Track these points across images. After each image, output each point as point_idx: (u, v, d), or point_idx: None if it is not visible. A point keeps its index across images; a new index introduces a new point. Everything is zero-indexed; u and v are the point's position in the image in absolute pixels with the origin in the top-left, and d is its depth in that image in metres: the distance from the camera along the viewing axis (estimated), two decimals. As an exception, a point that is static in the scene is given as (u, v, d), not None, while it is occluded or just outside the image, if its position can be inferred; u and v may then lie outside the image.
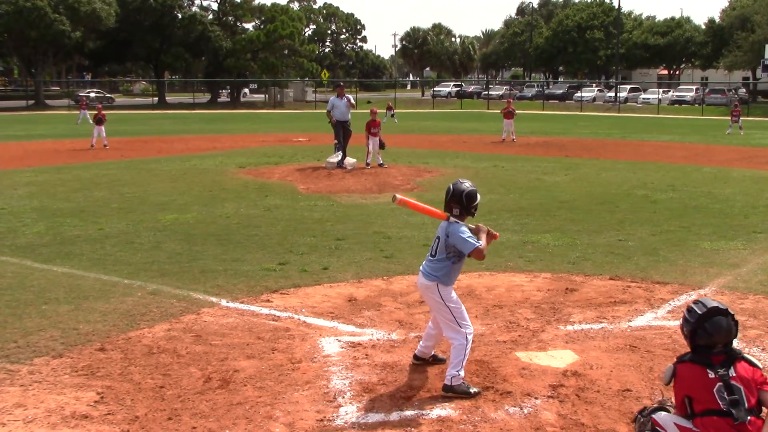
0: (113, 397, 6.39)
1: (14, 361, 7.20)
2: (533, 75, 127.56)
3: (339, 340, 7.75)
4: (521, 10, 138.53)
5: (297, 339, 7.78)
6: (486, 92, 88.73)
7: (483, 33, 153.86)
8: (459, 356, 6.37)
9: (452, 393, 6.31)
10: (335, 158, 23.08)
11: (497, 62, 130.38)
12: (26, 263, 11.16)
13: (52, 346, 7.59)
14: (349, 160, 23.17)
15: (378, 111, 25.21)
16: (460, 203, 6.83)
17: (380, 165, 23.48)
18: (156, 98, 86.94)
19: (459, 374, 6.33)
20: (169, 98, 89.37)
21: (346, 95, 23.99)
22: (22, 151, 30.17)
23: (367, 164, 23.34)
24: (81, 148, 30.87)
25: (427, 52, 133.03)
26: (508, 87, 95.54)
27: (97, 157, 27.14)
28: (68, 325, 8.23)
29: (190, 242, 12.56)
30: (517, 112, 36.10)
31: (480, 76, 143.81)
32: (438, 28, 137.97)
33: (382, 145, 23.73)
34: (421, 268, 6.71)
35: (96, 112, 31.61)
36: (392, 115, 51.40)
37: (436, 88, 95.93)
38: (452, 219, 6.63)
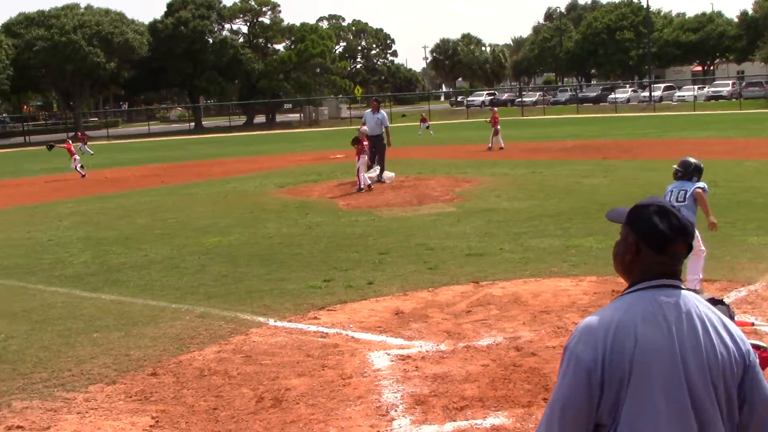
0: (168, 421, 6.45)
1: (70, 389, 7.30)
2: (566, 79, 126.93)
3: (388, 354, 7.76)
4: (549, 16, 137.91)
5: (346, 354, 7.80)
6: (519, 99, 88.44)
7: (513, 40, 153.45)
8: None
9: None
10: (373, 173, 23.11)
11: (529, 69, 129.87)
12: (75, 292, 11.31)
13: (106, 373, 7.68)
14: (388, 174, 23.17)
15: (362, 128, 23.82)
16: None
17: (379, 181, 22.76)
18: (192, 123, 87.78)
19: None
20: (206, 123, 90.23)
21: (381, 111, 24.02)
22: (65, 182, 30.59)
23: (369, 187, 21.58)
24: (121, 177, 31.24)
25: (458, 62, 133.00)
26: (541, 93, 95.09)
27: (139, 185, 27.44)
28: (120, 352, 8.32)
29: (235, 264, 12.65)
30: (499, 120, 35.49)
31: (512, 83, 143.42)
32: (467, 38, 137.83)
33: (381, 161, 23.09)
34: None
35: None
36: (427, 127, 51.42)
37: (469, 98, 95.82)
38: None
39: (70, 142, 35.97)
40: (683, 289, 2.63)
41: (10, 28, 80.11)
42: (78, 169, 32.56)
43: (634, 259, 2.66)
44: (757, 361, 2.61)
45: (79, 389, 7.28)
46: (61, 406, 6.89)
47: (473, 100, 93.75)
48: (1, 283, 12.43)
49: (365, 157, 22.03)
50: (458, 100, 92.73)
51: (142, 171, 33.97)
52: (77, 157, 33.32)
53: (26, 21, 79.98)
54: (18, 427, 6.53)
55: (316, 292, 10.45)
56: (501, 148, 33.58)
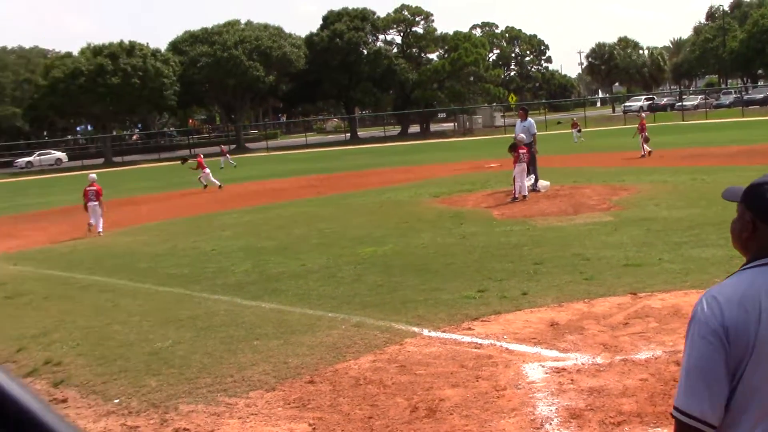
0: (324, 428, 6.58)
1: (231, 394, 7.56)
2: (729, 81, 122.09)
3: (543, 366, 7.66)
4: (711, 15, 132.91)
5: (500, 366, 7.75)
6: (680, 103, 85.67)
7: (672, 42, 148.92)
8: None
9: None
10: (528, 182, 22.87)
11: (689, 71, 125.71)
12: (237, 300, 11.70)
13: (265, 380, 7.91)
14: (543, 183, 22.91)
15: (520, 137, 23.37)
16: None
17: (534, 189, 22.46)
18: (348, 134, 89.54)
19: None
20: (361, 133, 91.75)
21: (529, 119, 23.83)
22: (227, 193, 31.73)
23: (524, 197, 21.38)
24: (279, 188, 32.12)
25: (615, 67, 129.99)
26: (702, 96, 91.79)
27: (296, 195, 28.13)
28: (279, 359, 8.55)
29: (390, 274, 12.78)
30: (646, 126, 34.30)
31: (672, 87, 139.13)
32: (624, 42, 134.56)
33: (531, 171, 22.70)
34: None
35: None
36: (579, 131, 50.61)
37: (626, 103, 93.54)
38: None
39: (202, 156, 37.55)
40: None
41: (176, 46, 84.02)
42: (201, 181, 34.35)
43: (751, 236, 2.73)
44: None
45: (240, 395, 7.54)
46: (223, 411, 7.15)
47: (630, 106, 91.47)
48: (168, 290, 13.01)
49: (522, 165, 21.79)
50: (624, 106, 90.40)
51: (299, 182, 34.85)
52: (207, 170, 34.94)
53: (191, 39, 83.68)
54: (184, 429, 6.83)
55: (470, 302, 10.43)
56: (643, 156, 32.65)
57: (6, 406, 0.98)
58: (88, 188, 22.43)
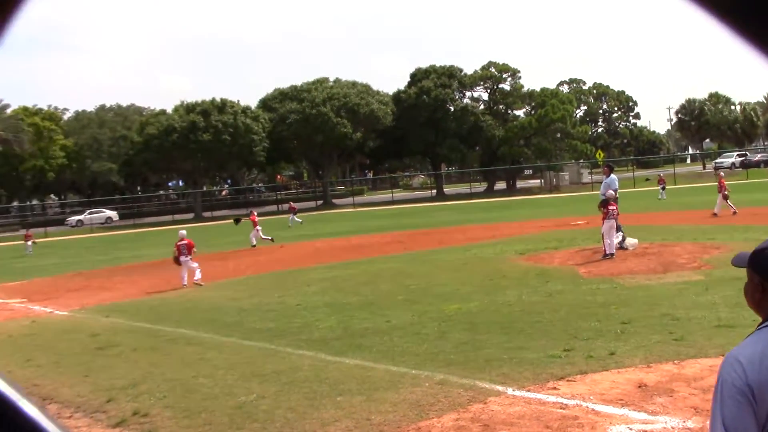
0: (407, 487, 6.52)
1: (314, 451, 7.56)
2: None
3: (630, 429, 7.47)
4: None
5: (586, 428, 7.59)
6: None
7: (765, 98, 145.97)
8: None
9: None
10: (616, 239, 22.51)
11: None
12: (321, 356, 11.74)
13: (348, 437, 7.89)
14: (631, 241, 22.52)
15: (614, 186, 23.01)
16: None
17: (621, 247, 22.01)
18: (434, 190, 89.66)
19: None
20: (447, 189, 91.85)
21: (612, 175, 23.61)
22: (314, 249, 32.02)
23: (610, 255, 20.94)
24: (366, 244, 32.30)
25: (705, 122, 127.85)
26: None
27: (382, 251, 28.23)
28: (361, 416, 8.53)
29: (474, 331, 12.68)
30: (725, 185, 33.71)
31: (765, 143, 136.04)
32: (715, 97, 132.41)
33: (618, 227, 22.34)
34: None
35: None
36: (663, 188, 49.86)
37: (717, 160, 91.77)
38: None
39: (255, 213, 38.16)
40: None
41: (266, 103, 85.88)
42: (252, 238, 35.05)
43: (763, 297, 2.92)
44: None
45: (323, 451, 7.53)
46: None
47: (722, 162, 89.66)
48: (254, 344, 13.14)
49: (612, 222, 21.48)
50: (715, 163, 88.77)
51: (385, 238, 35.00)
52: (259, 228, 35.72)
53: (281, 96, 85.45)
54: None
55: (555, 361, 10.27)
56: (714, 214, 32.14)
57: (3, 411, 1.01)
58: (179, 243, 23.09)
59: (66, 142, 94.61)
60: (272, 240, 35.63)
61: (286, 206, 79.77)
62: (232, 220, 36.99)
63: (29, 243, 47.67)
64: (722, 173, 38.53)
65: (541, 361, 10.30)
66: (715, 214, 32.10)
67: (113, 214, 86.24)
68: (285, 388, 10.02)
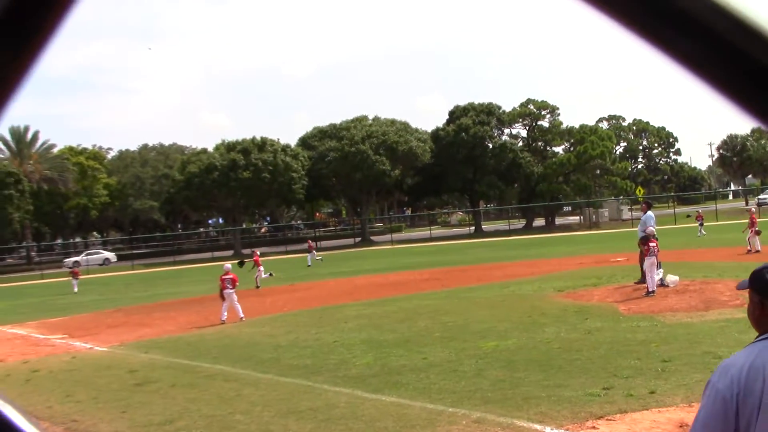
0: None
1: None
2: None
3: (671, 469, 7.34)
4: None
5: (626, 468, 7.46)
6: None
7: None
8: None
9: None
10: (657, 276, 22.25)
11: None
12: (357, 393, 11.69)
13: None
14: (671, 278, 22.23)
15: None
16: None
17: (662, 284, 21.62)
18: (473, 227, 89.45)
19: None
20: (485, 226, 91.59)
21: (648, 212, 23.42)
22: (351, 286, 32.02)
23: (651, 292, 20.74)
24: (403, 281, 32.26)
25: (747, 158, 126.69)
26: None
27: (420, 288, 28.17)
28: (398, 454, 8.46)
29: (512, 369, 12.57)
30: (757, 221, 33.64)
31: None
32: (758, 133, 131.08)
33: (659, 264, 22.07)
34: None
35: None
36: (700, 224, 49.33)
37: (761, 196, 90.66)
38: None
39: (258, 254, 38.06)
40: None
41: (306, 141, 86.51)
42: (257, 279, 35.04)
43: (761, 314, 3.23)
44: None
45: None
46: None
47: (765, 198, 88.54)
48: (290, 381, 13.12)
49: (652, 258, 21.28)
50: (758, 199, 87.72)
51: (422, 275, 34.90)
52: (262, 268, 35.90)
53: (320, 134, 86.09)
54: None
55: (594, 399, 10.13)
56: (749, 251, 31.85)
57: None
58: (224, 277, 23.32)
59: (109, 181, 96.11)
60: (271, 275, 35.79)
61: (324, 243, 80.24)
62: (237, 263, 36.91)
63: (75, 281, 47.20)
64: (753, 209, 38.45)
65: (579, 400, 10.17)
66: (749, 251, 31.94)
67: (111, 255, 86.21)
68: (321, 425, 9.98)
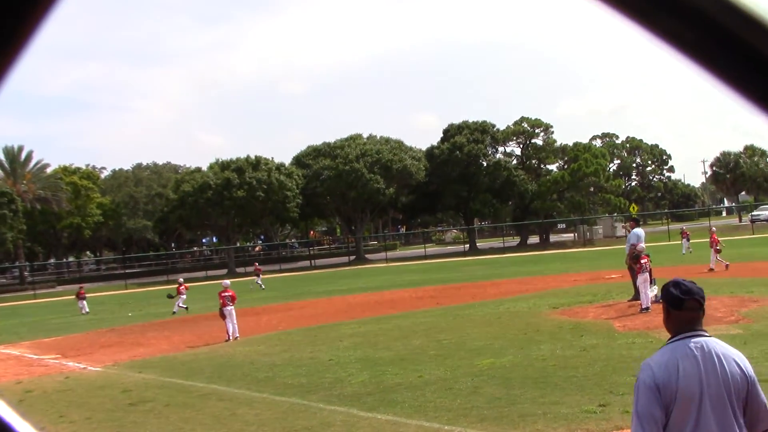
0: None
1: None
2: None
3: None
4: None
5: (623, 485, 7.43)
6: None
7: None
8: None
9: None
10: (651, 292, 22.24)
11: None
12: (353, 411, 11.64)
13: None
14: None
15: None
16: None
17: (657, 301, 21.65)
18: (467, 245, 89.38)
19: None
20: (480, 244, 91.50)
21: (636, 229, 23.63)
22: (346, 304, 31.95)
23: (646, 308, 20.81)
24: (398, 299, 32.18)
25: (741, 175, 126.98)
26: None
27: (414, 306, 28.12)
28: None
29: (508, 386, 12.53)
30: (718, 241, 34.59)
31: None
32: (751, 150, 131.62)
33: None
34: None
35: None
36: (686, 241, 49.19)
37: (754, 213, 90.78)
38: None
39: (182, 281, 38.01)
40: (706, 335, 4.06)
41: (300, 159, 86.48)
42: (176, 307, 35.37)
43: (668, 318, 4.13)
44: (755, 378, 4.14)
45: None
46: None
47: (758, 215, 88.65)
48: (285, 400, 13.06)
49: (645, 275, 21.32)
50: (751, 215, 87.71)
51: (417, 293, 34.86)
52: (184, 297, 35.88)
53: (314, 153, 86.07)
54: None
55: (590, 417, 10.10)
56: (711, 270, 32.64)
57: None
58: (223, 293, 23.29)
59: (103, 200, 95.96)
60: (186, 309, 35.51)
61: (319, 261, 79.91)
62: (168, 297, 37.05)
63: (84, 302, 43.66)
64: (714, 228, 39.13)
65: (575, 417, 10.14)
66: (711, 270, 32.75)
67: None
68: (316, 444, 9.92)
